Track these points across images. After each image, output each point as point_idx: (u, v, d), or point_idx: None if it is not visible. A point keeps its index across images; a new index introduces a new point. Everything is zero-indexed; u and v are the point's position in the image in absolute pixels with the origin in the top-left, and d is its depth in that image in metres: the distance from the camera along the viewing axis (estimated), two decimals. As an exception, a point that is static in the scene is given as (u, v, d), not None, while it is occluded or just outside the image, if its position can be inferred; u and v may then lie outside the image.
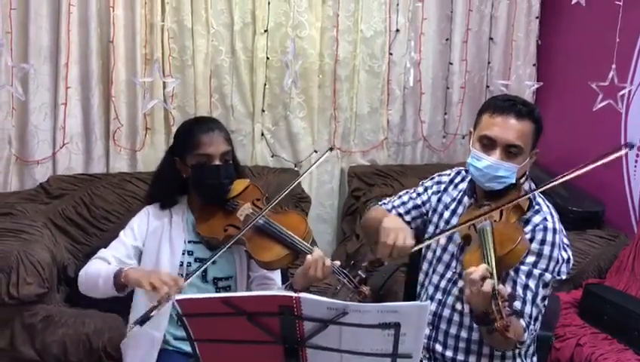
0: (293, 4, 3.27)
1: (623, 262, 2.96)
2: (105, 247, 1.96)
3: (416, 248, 1.76)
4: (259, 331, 1.29)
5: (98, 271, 1.82)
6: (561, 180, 1.67)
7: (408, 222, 1.99)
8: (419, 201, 1.99)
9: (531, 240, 1.70)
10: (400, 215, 1.98)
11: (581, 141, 3.39)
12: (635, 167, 3.23)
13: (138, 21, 3.05)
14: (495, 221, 1.68)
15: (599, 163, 1.64)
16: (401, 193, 2.05)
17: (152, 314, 1.60)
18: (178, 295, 1.38)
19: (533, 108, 1.76)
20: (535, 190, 1.73)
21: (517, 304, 1.62)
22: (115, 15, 3.02)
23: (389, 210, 2.00)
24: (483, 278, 1.48)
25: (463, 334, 1.80)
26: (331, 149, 1.99)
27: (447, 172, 2.01)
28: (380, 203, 2.07)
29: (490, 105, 1.77)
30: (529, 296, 1.67)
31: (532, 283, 1.68)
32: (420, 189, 2.02)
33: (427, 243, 1.82)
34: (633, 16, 3.08)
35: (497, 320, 1.42)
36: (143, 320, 1.60)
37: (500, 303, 1.43)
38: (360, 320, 1.25)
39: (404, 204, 2.00)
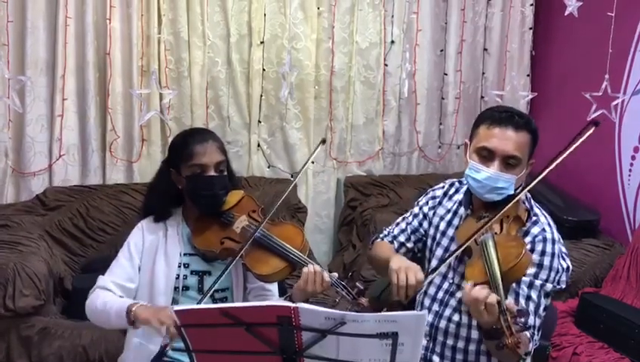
0: (289, 16, 3.30)
1: (618, 270, 2.97)
2: (101, 259, 1.95)
3: (427, 280, 1.75)
4: (257, 341, 1.29)
5: (104, 307, 1.80)
6: (546, 172, 1.67)
7: (411, 248, 2.00)
8: (416, 223, 2.00)
9: (531, 251, 1.69)
10: (402, 244, 1.99)
11: (575, 151, 3.41)
12: (630, 176, 3.25)
13: (134, 33, 3.07)
14: (496, 233, 1.67)
15: (575, 146, 1.65)
16: (398, 220, 2.05)
17: (167, 349, 1.66)
18: (176, 306, 1.37)
19: (530, 119, 1.78)
20: (526, 188, 1.71)
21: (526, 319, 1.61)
22: (111, 27, 3.04)
23: (391, 241, 2.01)
24: (486, 298, 1.47)
25: (460, 345, 1.80)
26: (324, 142, 2.00)
27: (440, 185, 2.02)
28: (380, 235, 2.07)
29: (487, 117, 1.77)
30: (532, 307, 1.67)
31: (534, 294, 1.68)
32: (416, 210, 2.02)
33: (437, 272, 1.81)
34: (625, 26, 3.12)
35: (508, 337, 1.41)
36: (160, 355, 1.64)
37: (510, 319, 1.43)
38: (358, 330, 1.25)
39: (403, 231, 2.01)
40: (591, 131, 1.64)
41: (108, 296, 1.84)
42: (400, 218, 2.06)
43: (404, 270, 1.72)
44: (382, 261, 1.89)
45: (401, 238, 2.00)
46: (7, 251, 2.55)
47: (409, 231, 2.00)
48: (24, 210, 2.91)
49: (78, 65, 3.04)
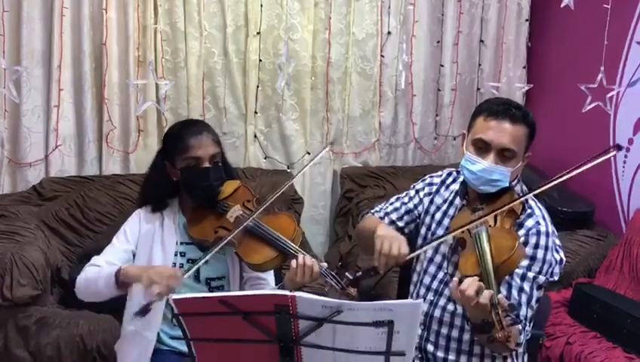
0: (285, 6, 3.29)
1: (612, 261, 2.99)
2: (98, 250, 1.96)
3: (410, 256, 1.76)
4: (254, 330, 1.30)
5: (97, 274, 1.83)
6: (551, 184, 1.69)
7: (402, 228, 2.00)
8: (411, 205, 2.00)
9: (525, 243, 1.71)
10: (393, 222, 1.99)
11: (571, 142, 3.43)
12: (624, 168, 3.26)
13: (131, 24, 3.06)
14: (490, 226, 1.68)
15: (589, 165, 1.65)
16: (392, 199, 2.05)
17: (151, 306, 1.66)
18: (174, 295, 1.39)
19: (527, 112, 1.77)
20: (529, 194, 1.73)
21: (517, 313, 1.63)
22: (107, 18, 3.03)
23: (382, 218, 2.01)
24: (478, 292, 1.48)
25: (455, 334, 1.82)
26: (332, 144, 2.00)
27: (439, 173, 2.02)
28: (372, 211, 2.07)
29: (484, 109, 1.77)
30: (524, 298, 1.69)
31: (526, 286, 1.69)
32: (412, 192, 2.02)
33: (422, 250, 1.82)
34: (621, 19, 3.12)
35: (498, 331, 1.42)
36: (143, 310, 1.65)
37: (501, 313, 1.44)
38: (354, 319, 1.27)
39: (396, 209, 2.01)
40: (612, 154, 1.64)
41: (100, 268, 1.86)
42: (394, 197, 2.05)
43: (390, 239, 1.74)
44: (368, 231, 1.90)
45: (393, 216, 2.00)
46: (4, 241, 2.55)
47: (403, 210, 2.00)
48: (21, 200, 2.91)
49: (74, 55, 3.03)
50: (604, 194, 3.33)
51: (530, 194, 1.73)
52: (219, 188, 1.95)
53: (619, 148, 1.64)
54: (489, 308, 1.46)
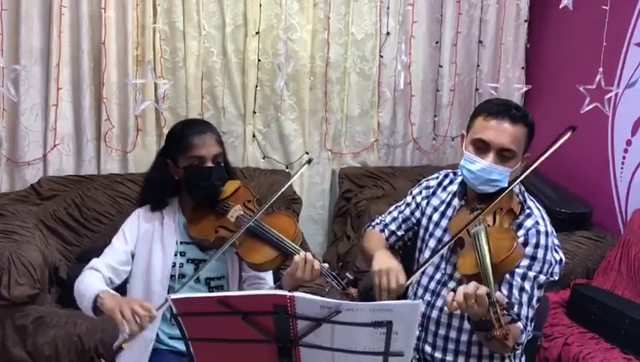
0: (284, 6, 3.29)
1: (609, 262, 3.00)
2: (96, 249, 1.96)
3: (408, 282, 1.77)
4: (253, 330, 1.30)
5: (86, 288, 1.79)
6: (525, 174, 1.72)
7: (401, 236, 2.03)
8: (407, 212, 2.02)
9: (525, 243, 1.72)
10: (393, 232, 2.03)
11: (569, 143, 3.43)
12: (622, 169, 3.27)
13: (130, 23, 3.05)
14: (489, 225, 1.69)
15: (553, 149, 1.69)
16: (391, 208, 2.08)
17: (123, 345, 1.63)
18: (173, 295, 1.38)
19: (527, 113, 1.78)
20: (517, 181, 1.74)
21: (515, 309, 1.64)
22: (106, 17, 3.02)
23: (382, 230, 2.04)
24: (475, 291, 1.49)
25: (452, 335, 1.82)
26: (309, 162, 2.01)
27: (435, 175, 2.04)
28: (372, 223, 2.09)
29: (484, 109, 1.78)
30: (525, 298, 1.69)
31: (527, 286, 1.70)
32: (409, 199, 2.04)
33: (418, 273, 1.82)
34: (620, 20, 3.13)
35: (497, 328, 1.43)
36: (116, 351, 1.64)
37: (499, 311, 1.45)
38: (353, 319, 1.26)
39: (394, 219, 2.04)
40: (568, 135, 1.67)
41: (93, 278, 1.83)
42: (393, 206, 2.08)
43: (386, 273, 1.75)
44: (368, 254, 1.93)
45: (392, 227, 2.03)
46: (2, 240, 2.55)
47: (400, 219, 2.02)
48: (19, 199, 2.91)
49: (72, 54, 3.03)
50: (602, 196, 3.34)
51: (518, 181, 1.74)
52: (220, 187, 1.95)
53: (573, 129, 1.66)
54: (487, 306, 1.47)
